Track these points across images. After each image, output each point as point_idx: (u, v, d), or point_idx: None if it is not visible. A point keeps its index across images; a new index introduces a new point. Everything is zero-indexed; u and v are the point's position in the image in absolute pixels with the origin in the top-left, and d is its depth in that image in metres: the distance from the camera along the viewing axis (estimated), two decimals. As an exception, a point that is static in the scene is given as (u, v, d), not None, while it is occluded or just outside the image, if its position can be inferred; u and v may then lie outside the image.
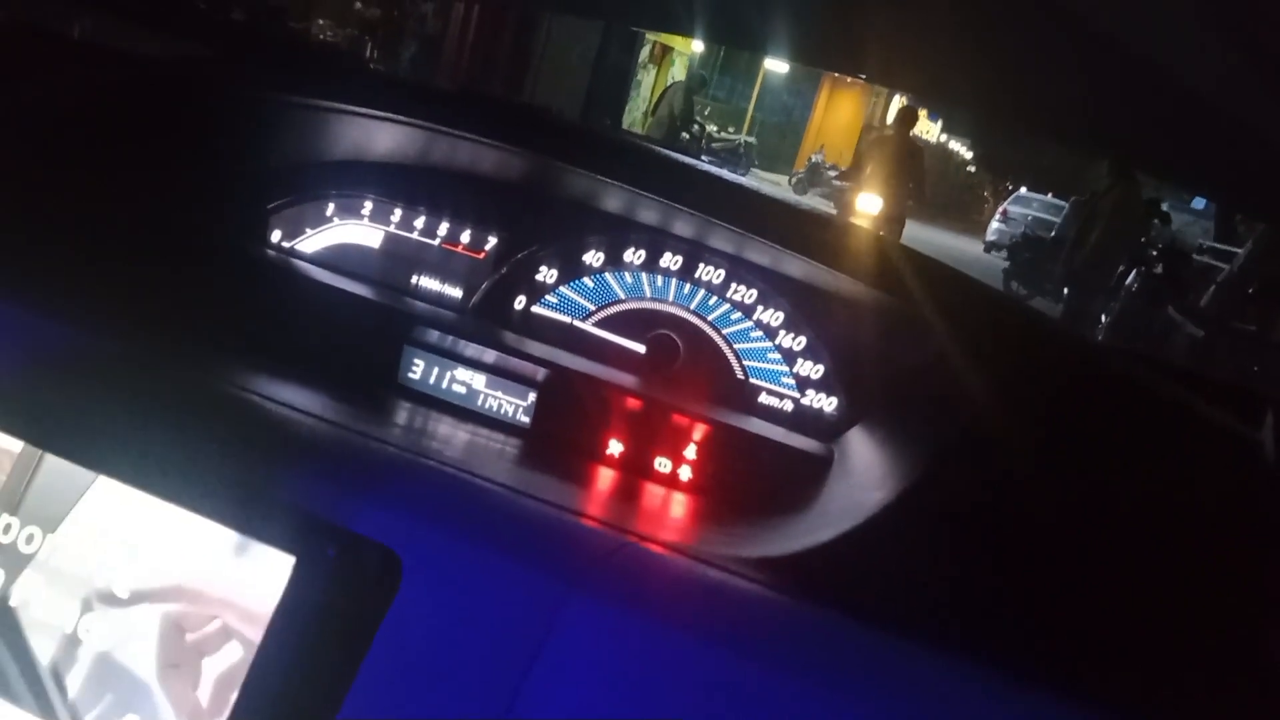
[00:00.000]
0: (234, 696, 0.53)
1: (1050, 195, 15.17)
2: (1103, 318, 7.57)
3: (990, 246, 14.15)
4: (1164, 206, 9.23)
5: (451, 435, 0.91)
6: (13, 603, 0.59)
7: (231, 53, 1.11)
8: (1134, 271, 7.47)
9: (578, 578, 0.58)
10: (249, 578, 0.56)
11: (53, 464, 0.61)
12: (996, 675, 0.57)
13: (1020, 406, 0.76)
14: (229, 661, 0.55)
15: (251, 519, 0.56)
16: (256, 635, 0.54)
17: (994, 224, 15.06)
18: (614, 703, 0.53)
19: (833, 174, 16.29)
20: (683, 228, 0.99)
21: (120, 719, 0.56)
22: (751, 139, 17.09)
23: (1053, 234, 10.25)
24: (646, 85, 14.68)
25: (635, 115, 12.69)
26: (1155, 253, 7.64)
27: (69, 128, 0.95)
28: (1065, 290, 7.86)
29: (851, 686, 0.55)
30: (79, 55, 1.07)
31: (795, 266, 0.96)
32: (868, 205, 6.95)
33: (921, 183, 7.37)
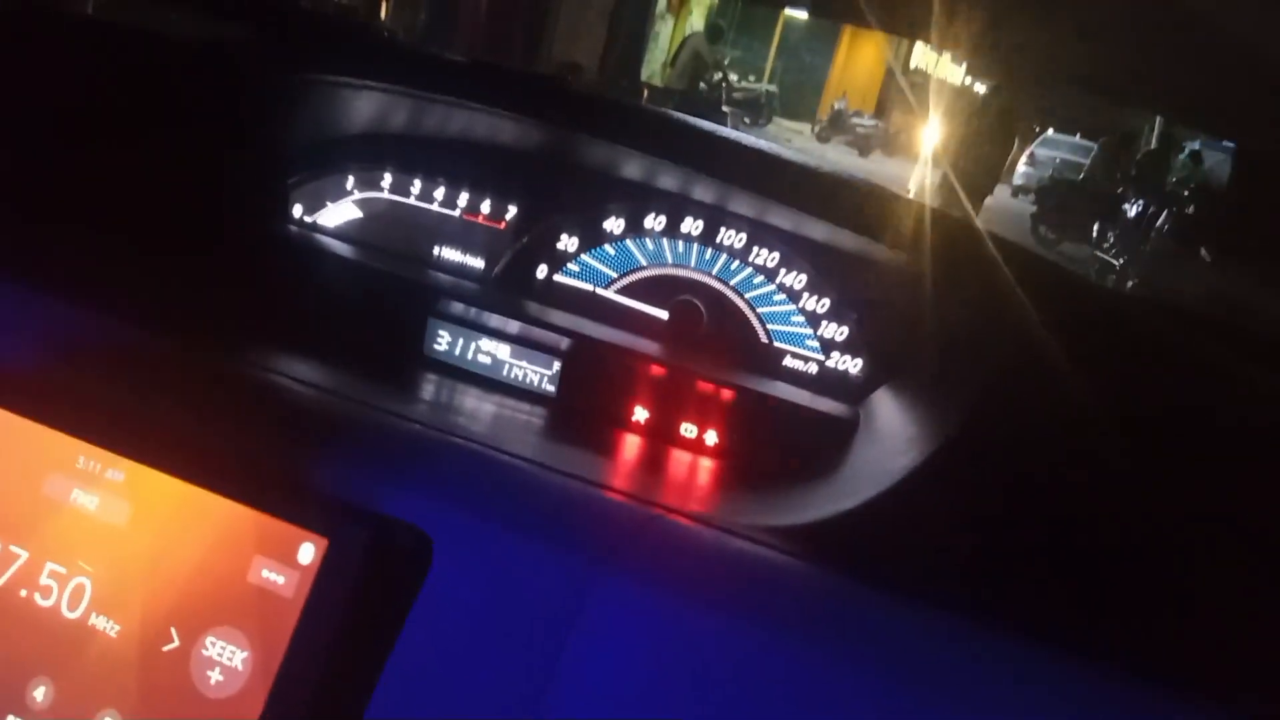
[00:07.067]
0: (270, 683, 0.54)
1: (1078, 136, 14.87)
2: (1130, 262, 7.45)
3: (1018, 190, 13.89)
4: (1196, 145, 9.03)
5: (478, 408, 0.92)
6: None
7: (245, 29, 1.10)
8: (1165, 212, 7.34)
9: (607, 552, 0.58)
10: (281, 563, 0.57)
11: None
12: (1028, 645, 0.57)
13: (1050, 366, 0.75)
14: (263, 650, 0.56)
15: (282, 503, 0.57)
16: (291, 621, 0.55)
17: (1021, 167, 14.75)
18: (647, 677, 0.54)
19: (856, 120, 16.07)
20: (703, 193, 0.98)
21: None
22: (773, 87, 16.82)
23: (1081, 176, 10.09)
24: (665, 36, 14.46)
25: (654, 67, 12.51)
26: (1187, 193, 7.49)
27: (86, 111, 0.95)
28: (1095, 234, 7.73)
29: (878, 655, 0.55)
30: (94, 36, 1.06)
31: (818, 230, 0.95)
32: None
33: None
